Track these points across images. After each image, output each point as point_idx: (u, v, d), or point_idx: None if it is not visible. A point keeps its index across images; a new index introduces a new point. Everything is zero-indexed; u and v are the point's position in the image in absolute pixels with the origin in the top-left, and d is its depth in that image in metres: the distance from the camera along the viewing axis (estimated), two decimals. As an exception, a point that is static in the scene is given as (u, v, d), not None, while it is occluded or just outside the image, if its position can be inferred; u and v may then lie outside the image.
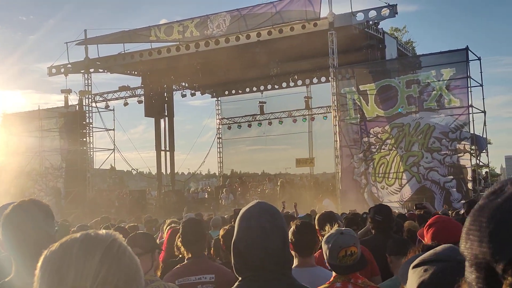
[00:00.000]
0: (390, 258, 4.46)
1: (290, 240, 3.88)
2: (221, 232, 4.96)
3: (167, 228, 7.38)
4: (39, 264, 1.26)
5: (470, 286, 0.90)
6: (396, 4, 20.54)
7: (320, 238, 4.93)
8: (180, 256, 4.99)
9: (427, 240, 3.29)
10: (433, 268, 1.40)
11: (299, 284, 2.25)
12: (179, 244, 4.26)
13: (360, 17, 21.00)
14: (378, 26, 22.23)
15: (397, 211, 13.44)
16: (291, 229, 3.97)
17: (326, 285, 3.38)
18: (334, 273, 3.44)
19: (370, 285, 3.46)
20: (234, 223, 6.60)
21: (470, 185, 19.17)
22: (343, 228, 3.58)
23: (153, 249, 3.62)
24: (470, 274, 0.91)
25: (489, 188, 0.95)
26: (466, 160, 19.35)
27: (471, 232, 0.90)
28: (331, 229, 3.62)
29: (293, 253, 3.96)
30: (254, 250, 2.14)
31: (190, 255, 4.19)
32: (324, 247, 3.43)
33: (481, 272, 0.88)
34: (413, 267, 1.45)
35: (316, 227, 4.98)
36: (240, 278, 2.21)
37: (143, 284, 1.31)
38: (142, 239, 3.63)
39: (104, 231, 1.32)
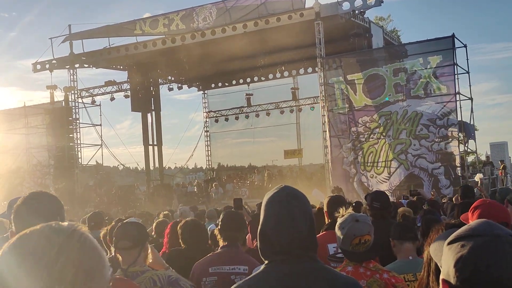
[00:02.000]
0: (393, 242, 4.47)
1: None
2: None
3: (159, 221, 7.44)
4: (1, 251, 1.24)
5: None
6: (382, -7, 20.58)
7: (327, 219, 4.95)
8: (184, 246, 5.01)
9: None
10: (471, 243, 1.38)
11: (326, 267, 2.25)
12: (216, 232, 4.24)
13: (346, 6, 20.98)
14: (364, 15, 22.26)
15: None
16: None
17: (338, 269, 3.38)
18: (345, 260, 3.44)
19: (382, 269, 3.47)
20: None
21: (458, 171, 19.31)
22: (358, 214, 3.55)
23: (143, 242, 3.55)
24: None
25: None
26: (454, 147, 19.51)
27: None
28: (345, 212, 3.60)
29: None
30: (282, 235, 2.14)
31: (226, 243, 4.18)
32: (338, 232, 3.42)
33: None
34: (449, 243, 1.44)
35: (326, 209, 5.00)
36: (266, 262, 2.20)
37: (107, 276, 1.28)
38: (133, 230, 3.55)
39: (66, 222, 1.30)
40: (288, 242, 2.13)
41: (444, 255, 1.44)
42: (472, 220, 3.41)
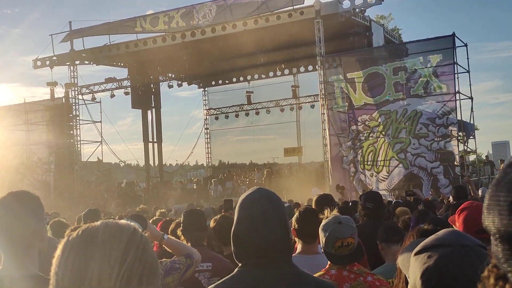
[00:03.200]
0: (381, 245, 4.43)
1: (293, 227, 3.88)
2: (212, 223, 4.94)
3: (154, 219, 7.40)
4: (59, 251, 1.24)
5: (498, 259, 0.90)
6: (383, -9, 20.54)
7: None
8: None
9: (458, 225, 3.27)
10: (437, 254, 1.36)
11: (300, 271, 2.23)
12: (179, 233, 4.26)
13: (346, 4, 20.95)
14: (365, 14, 22.21)
15: (386, 200, 13.47)
16: (295, 216, 3.95)
17: (321, 272, 3.36)
18: (329, 262, 3.42)
19: (366, 271, 3.45)
20: (225, 212, 6.62)
21: (457, 171, 19.27)
22: (342, 216, 3.51)
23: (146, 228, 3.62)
24: (496, 247, 0.91)
25: (506, 161, 0.96)
26: (453, 146, 19.45)
27: (491, 206, 0.91)
28: (330, 213, 3.58)
29: (296, 239, 3.97)
30: (255, 238, 2.11)
31: (189, 244, 4.19)
32: (321, 234, 3.39)
33: (505, 244, 0.88)
34: (415, 254, 1.42)
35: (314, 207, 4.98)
36: (240, 265, 2.18)
37: (161, 274, 1.30)
38: (139, 219, 3.61)
39: (123, 220, 1.31)
40: (262, 245, 2.10)
41: (411, 266, 1.42)
42: (458, 222, 3.40)
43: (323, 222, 3.44)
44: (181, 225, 4.33)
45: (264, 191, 2.25)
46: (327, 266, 3.41)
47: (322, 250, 3.45)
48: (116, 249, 1.20)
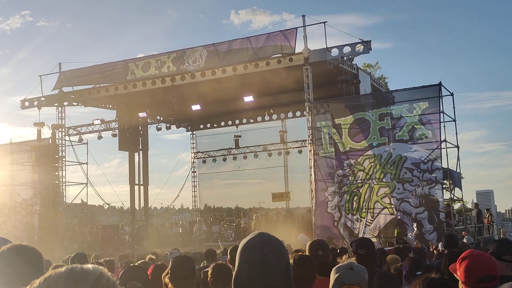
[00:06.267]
0: (375, 293, 4.41)
1: None
2: (210, 270, 4.86)
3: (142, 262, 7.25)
4: None
5: None
6: (370, 41, 20.95)
7: None
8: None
9: (459, 274, 3.26)
10: None
11: None
12: (167, 280, 4.16)
13: (334, 52, 21.30)
14: (352, 62, 22.59)
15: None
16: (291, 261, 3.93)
17: None
18: None
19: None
20: (207, 263, 6.49)
21: (442, 217, 19.26)
22: (356, 264, 3.55)
23: (149, 284, 3.57)
24: None
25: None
26: (437, 191, 19.47)
27: None
28: (348, 258, 3.60)
29: None
30: (255, 283, 2.07)
31: None
32: (332, 275, 3.44)
33: None
34: None
35: (308, 254, 4.95)
36: None
37: None
38: (140, 272, 3.58)
39: (90, 265, 1.26)
40: None
41: None
42: (459, 271, 3.39)
43: (338, 265, 3.50)
44: (169, 272, 4.23)
45: (265, 236, 2.21)
46: None
47: None
48: None
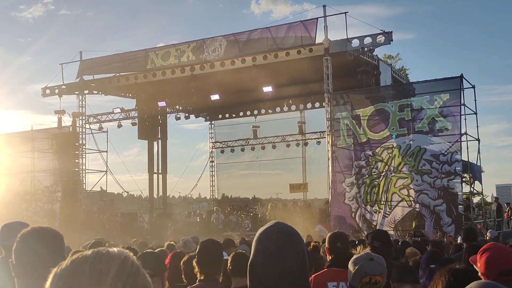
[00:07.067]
0: (393, 285, 4.38)
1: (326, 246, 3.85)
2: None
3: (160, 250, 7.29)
4: (49, 281, 1.22)
5: None
6: (391, 31, 20.76)
7: (328, 256, 4.90)
8: (185, 282, 4.91)
9: (480, 265, 3.23)
10: None
11: None
12: (194, 264, 4.15)
13: (355, 43, 21.15)
14: (373, 53, 22.41)
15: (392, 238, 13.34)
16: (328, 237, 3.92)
17: None
18: None
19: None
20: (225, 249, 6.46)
21: (460, 210, 19.09)
22: (374, 254, 3.51)
23: (163, 271, 3.55)
24: None
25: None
26: (456, 184, 19.27)
27: None
28: (363, 249, 3.58)
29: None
30: (270, 272, 2.06)
31: (202, 277, 4.09)
32: (350, 266, 3.40)
33: None
34: None
35: (327, 246, 4.95)
36: None
37: None
38: (153, 260, 3.55)
39: (115, 248, 1.28)
40: (277, 281, 2.04)
41: None
42: (480, 263, 3.35)
43: (355, 256, 3.46)
44: (196, 256, 4.20)
45: (282, 225, 2.19)
46: None
47: (348, 283, 3.43)
48: (104, 279, 1.18)
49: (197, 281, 4.14)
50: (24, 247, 2.46)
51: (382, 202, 20.33)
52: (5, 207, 26.27)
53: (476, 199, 25.06)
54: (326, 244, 5.02)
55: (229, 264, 4.71)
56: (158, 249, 7.83)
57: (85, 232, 23.78)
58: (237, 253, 4.89)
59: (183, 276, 4.95)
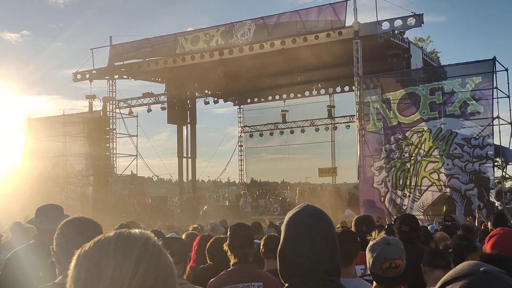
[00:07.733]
0: (424, 269, 4.35)
1: None
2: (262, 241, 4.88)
3: (188, 233, 7.34)
4: (73, 262, 1.25)
5: None
6: (422, 14, 20.42)
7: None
8: (210, 263, 4.96)
9: (487, 250, 3.21)
10: (458, 286, 1.31)
11: None
12: (225, 248, 4.16)
13: (385, 26, 20.86)
14: (404, 36, 22.08)
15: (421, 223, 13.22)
16: None
17: None
18: (375, 283, 3.36)
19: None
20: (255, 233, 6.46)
21: (492, 194, 18.80)
22: (390, 238, 3.45)
23: (186, 258, 3.56)
24: None
25: None
26: (488, 168, 18.98)
27: None
28: (377, 235, 3.52)
29: None
30: (301, 257, 2.06)
31: (236, 260, 4.11)
32: (368, 255, 3.33)
33: None
34: None
35: (352, 229, 4.92)
36: (286, 285, 2.12)
37: (177, 285, 1.29)
38: (177, 246, 3.53)
39: (137, 230, 1.30)
40: (307, 265, 2.04)
41: None
42: (487, 247, 3.32)
43: (371, 243, 3.38)
44: (228, 239, 4.21)
45: (312, 209, 2.17)
46: (373, 286, 3.36)
47: (368, 271, 3.39)
48: (128, 260, 1.20)
49: (230, 264, 4.14)
50: (65, 237, 2.53)
51: (412, 186, 20.13)
52: (39, 191, 26.77)
53: (508, 184, 24.66)
54: (353, 228, 5.00)
55: (261, 247, 4.73)
56: (186, 233, 7.89)
57: (116, 215, 24.13)
58: (270, 236, 4.90)
59: (207, 258, 4.98)
